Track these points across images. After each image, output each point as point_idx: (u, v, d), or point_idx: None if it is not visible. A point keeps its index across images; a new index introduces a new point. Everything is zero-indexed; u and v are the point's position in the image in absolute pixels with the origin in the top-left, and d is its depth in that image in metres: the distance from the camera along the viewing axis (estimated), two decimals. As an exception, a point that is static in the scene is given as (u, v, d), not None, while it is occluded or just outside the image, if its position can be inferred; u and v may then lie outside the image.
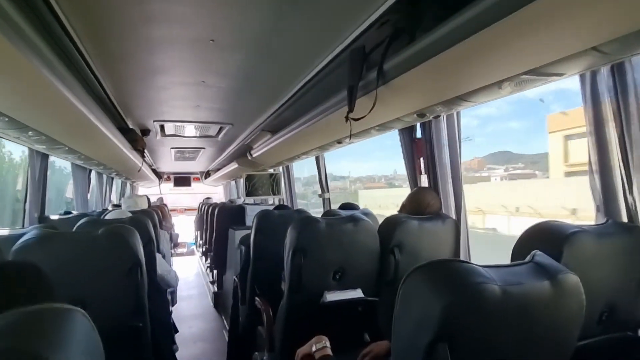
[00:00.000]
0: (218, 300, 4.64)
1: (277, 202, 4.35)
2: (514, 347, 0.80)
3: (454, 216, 1.94)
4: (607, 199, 1.26)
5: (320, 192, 3.69)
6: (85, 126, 2.08)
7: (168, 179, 8.44)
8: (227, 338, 3.14)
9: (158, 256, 2.52)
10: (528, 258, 0.86)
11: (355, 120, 1.57)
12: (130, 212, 2.76)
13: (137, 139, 3.37)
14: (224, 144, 4.34)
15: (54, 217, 3.13)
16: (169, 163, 6.35)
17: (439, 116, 1.71)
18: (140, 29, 1.56)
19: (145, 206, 3.62)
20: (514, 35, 0.95)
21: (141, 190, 8.48)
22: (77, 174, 4.00)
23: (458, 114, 1.92)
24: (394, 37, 1.33)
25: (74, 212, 3.41)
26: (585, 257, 1.02)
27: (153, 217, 2.72)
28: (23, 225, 2.97)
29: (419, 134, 2.14)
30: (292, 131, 2.63)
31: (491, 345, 0.78)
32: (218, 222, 4.52)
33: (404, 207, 1.95)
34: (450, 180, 1.97)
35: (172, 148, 4.81)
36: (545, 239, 1.04)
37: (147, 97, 2.53)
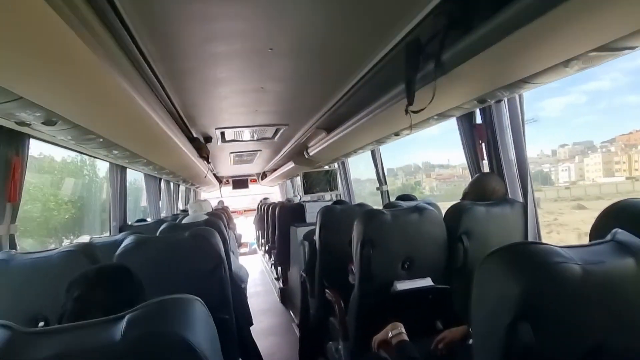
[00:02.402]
0: (284, 295, 4.81)
1: (334, 198, 4.42)
2: (599, 327, 0.80)
3: (521, 199, 1.89)
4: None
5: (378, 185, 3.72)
6: (160, 139, 2.29)
7: (227, 182, 8.82)
8: (297, 331, 3.27)
9: (232, 256, 2.71)
10: (609, 237, 0.84)
11: (415, 112, 1.58)
12: (205, 214, 2.97)
13: (202, 147, 3.60)
14: (279, 144, 4.49)
15: (134, 224, 3.44)
16: (227, 167, 6.65)
17: (500, 100, 1.68)
18: (204, 46, 1.70)
19: (209, 209, 3.88)
20: (581, 12, 0.93)
21: (203, 195, 8.97)
22: (149, 184, 4.36)
23: (520, 95, 1.86)
24: (449, 27, 1.33)
25: (148, 220, 3.73)
26: None
27: (222, 219, 2.91)
28: (110, 233, 3.31)
29: (478, 120, 2.11)
30: (348, 128, 2.69)
31: (575, 324, 0.79)
32: (279, 220, 4.67)
33: (466, 194, 1.93)
34: (515, 164, 1.92)
35: (231, 152, 5.05)
36: (627, 217, 1.00)
37: (210, 107, 2.71)
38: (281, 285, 4.98)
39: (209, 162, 4.13)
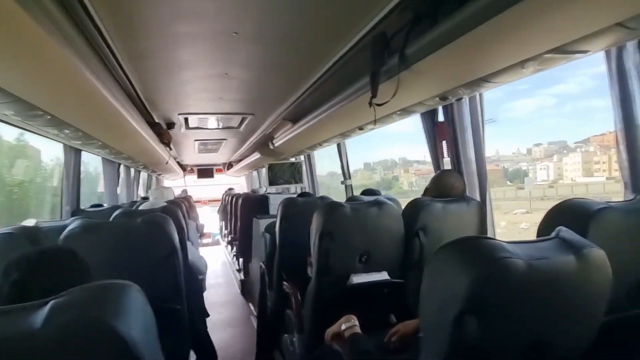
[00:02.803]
0: (245, 287, 4.76)
1: (299, 191, 4.41)
2: (540, 321, 0.82)
3: (478, 198, 1.94)
4: (635, 175, 1.25)
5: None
6: (117, 121, 2.17)
7: (192, 171, 8.59)
8: (255, 323, 3.24)
9: (188, 244, 2.63)
10: (553, 234, 0.87)
11: (379, 105, 1.58)
12: (166, 202, 2.87)
13: (163, 132, 3.47)
14: (245, 134, 4.41)
15: (88, 209, 3.27)
16: (192, 155, 6.49)
17: (461, 99, 1.70)
18: (167, 26, 1.61)
19: (171, 197, 3.75)
20: (538, 13, 0.95)
21: (166, 183, 8.70)
22: (107, 169, 4.15)
23: (481, 95, 1.90)
24: (415, 21, 1.33)
25: (105, 205, 3.56)
26: (612, 233, 1.02)
27: (182, 207, 2.82)
28: (61, 218, 3.13)
29: (440, 118, 2.14)
30: (313, 119, 2.66)
31: (517, 318, 0.80)
32: (242, 211, 4.62)
33: (427, 190, 1.96)
34: (474, 162, 1.97)
35: (195, 140, 4.92)
36: (571, 216, 1.04)
37: (172, 91, 2.61)
38: (242, 277, 4.92)
39: (170, 149, 3.99)
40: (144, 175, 6.43)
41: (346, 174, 3.68)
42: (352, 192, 3.67)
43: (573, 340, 0.87)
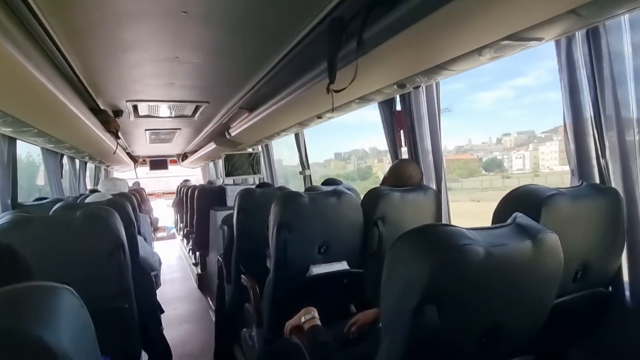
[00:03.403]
0: (202, 281, 4.65)
1: (257, 182, 4.33)
2: (497, 306, 0.83)
3: (434, 187, 1.98)
4: (581, 162, 1.31)
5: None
6: (53, 106, 1.98)
7: (144, 162, 8.19)
8: (213, 318, 3.16)
9: (140, 239, 2.49)
10: (509, 220, 0.88)
11: (337, 92, 1.55)
12: (111, 195, 2.69)
13: (110, 120, 3.24)
14: (200, 123, 4.24)
15: (28, 203, 3.02)
16: (144, 146, 6.17)
17: (418, 87, 1.71)
18: (107, 0, 1.48)
19: (125, 189, 3.54)
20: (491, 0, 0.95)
21: (116, 175, 8.26)
22: (49, 159, 3.84)
23: (437, 84, 1.92)
24: (372, 5, 1.30)
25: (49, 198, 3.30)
26: (561, 218, 1.06)
27: (132, 200, 2.65)
28: (-6, 213, 2.86)
29: (398, 107, 2.15)
30: (270, 107, 2.59)
31: (476, 304, 0.81)
32: (198, 204, 4.49)
33: (385, 180, 1.97)
34: (430, 152, 2.00)
35: (146, 130, 4.67)
36: (524, 202, 1.07)
37: (118, 75, 2.42)
38: (199, 271, 4.79)
39: (118, 138, 3.75)
40: (91, 166, 6.04)
41: (305, 164, 3.65)
42: (311, 182, 3.65)
43: (527, 323, 0.89)
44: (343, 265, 1.78)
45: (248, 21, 1.69)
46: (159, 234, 7.92)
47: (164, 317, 2.88)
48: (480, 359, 0.86)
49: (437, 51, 1.30)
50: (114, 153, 4.10)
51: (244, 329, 2.22)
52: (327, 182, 2.60)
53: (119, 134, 3.69)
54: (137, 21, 1.67)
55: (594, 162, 1.29)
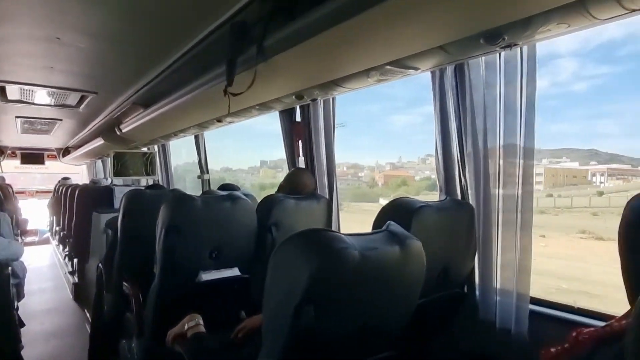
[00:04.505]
0: (79, 291, 4.16)
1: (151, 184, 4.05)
2: (369, 306, 0.92)
3: (327, 195, 2.08)
4: (447, 180, 1.51)
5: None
6: None
7: (13, 154, 7.02)
8: (90, 331, 2.85)
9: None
10: (384, 227, 0.99)
11: (234, 95, 1.55)
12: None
13: (-34, 102, 2.75)
14: (87, 116, 3.81)
15: None
16: (13, 135, 5.31)
17: (315, 99, 1.80)
18: None
19: None
20: (378, 26, 1.06)
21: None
22: None
23: (333, 99, 2.04)
24: (274, 13, 1.34)
25: None
26: (428, 227, 1.21)
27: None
28: None
29: (298, 118, 2.23)
30: (167, 105, 2.46)
31: (351, 305, 0.88)
32: (79, 205, 4.01)
33: (282, 187, 2.02)
34: (325, 163, 2.11)
35: (17, 117, 4.04)
36: (398, 212, 1.20)
37: None
38: (76, 280, 4.28)
39: (-23, 124, 3.19)
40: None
41: (203, 168, 3.53)
42: (210, 186, 3.55)
43: (395, 321, 0.99)
44: (234, 272, 1.76)
45: (145, 10, 1.59)
46: (29, 238, 6.88)
47: (25, 334, 2.53)
48: (350, 355, 0.93)
49: (332, 67, 1.39)
50: None
51: (123, 341, 2.05)
52: (224, 187, 2.56)
53: None
54: None
55: (457, 181, 1.50)
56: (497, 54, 1.25)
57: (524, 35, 0.99)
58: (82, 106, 3.35)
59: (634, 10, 0.84)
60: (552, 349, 0.82)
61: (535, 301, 1.37)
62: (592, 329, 0.77)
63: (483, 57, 1.30)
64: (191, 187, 4.38)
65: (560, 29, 0.94)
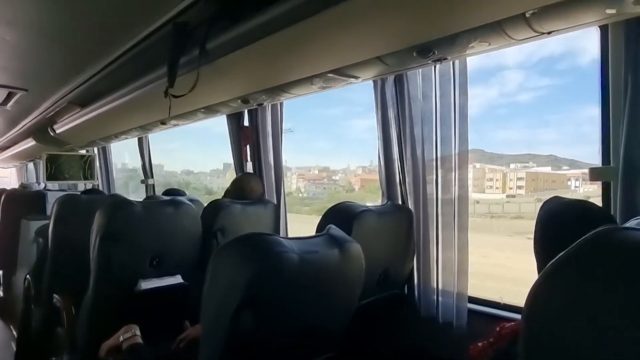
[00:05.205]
0: (4, 306, 3.79)
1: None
2: (310, 309, 0.93)
3: (274, 200, 2.08)
4: (389, 186, 1.57)
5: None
6: None
7: None
8: (15, 349, 2.62)
9: None
10: (324, 231, 1.01)
11: (176, 97, 1.51)
12: None
13: None
14: (15, 114, 3.51)
15: None
16: None
17: (262, 104, 1.79)
18: None
19: None
20: (320, 34, 1.09)
21: None
22: None
23: (281, 105, 2.06)
24: (217, 16, 1.33)
25: None
26: (368, 230, 1.24)
27: None
28: None
29: (246, 122, 2.21)
30: (106, 105, 2.34)
31: (291, 308, 0.88)
32: (6, 211, 3.66)
33: (228, 192, 1.99)
34: (273, 167, 2.10)
35: None
36: (341, 216, 1.23)
37: None
38: (1, 293, 3.90)
39: None
40: None
41: (148, 172, 3.39)
42: (154, 191, 3.41)
43: (335, 323, 1.01)
44: (177, 279, 1.71)
45: (81, 4, 1.50)
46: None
47: None
48: (293, 358, 0.93)
49: (276, 73, 1.40)
50: None
51: (53, 358, 1.91)
52: (169, 192, 2.48)
53: None
54: None
55: (398, 186, 1.56)
56: (432, 67, 1.33)
57: (452, 51, 1.07)
58: (10, 103, 3.08)
59: (542, 34, 0.93)
60: (479, 344, 0.88)
61: (472, 299, 1.45)
62: (513, 323, 0.83)
63: (420, 70, 1.38)
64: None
65: (483, 46, 1.03)
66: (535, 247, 0.84)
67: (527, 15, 0.87)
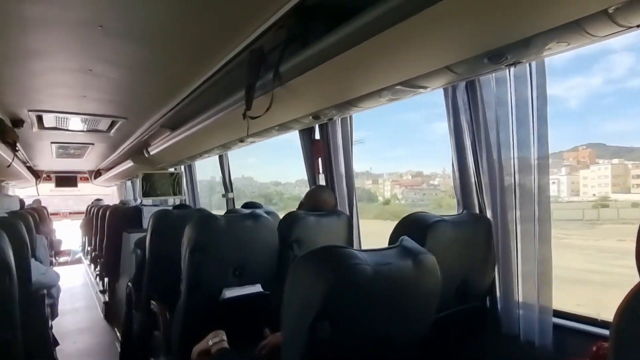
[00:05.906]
0: (110, 310, 4.27)
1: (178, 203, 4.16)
2: (383, 320, 0.93)
3: (347, 212, 2.10)
4: (464, 194, 1.51)
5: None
6: None
7: (48, 178, 7.37)
8: (119, 350, 2.93)
9: (36, 264, 2.26)
10: (397, 243, 1.00)
11: (253, 118, 1.61)
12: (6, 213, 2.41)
13: (6, 130, 2.94)
14: (117, 140, 4.00)
15: None
16: (48, 160, 5.61)
17: (332, 119, 1.84)
18: (10, 5, 1.40)
19: (15, 207, 3.18)
20: (386, 50, 1.11)
21: (17, 192, 7.34)
22: None
23: (351, 118, 2.09)
24: (288, 41, 1.40)
25: None
26: (444, 241, 1.21)
27: (27, 220, 2.41)
28: None
29: (317, 136, 2.28)
30: (192, 128, 2.56)
31: (366, 318, 0.90)
32: (110, 225, 4.15)
33: (302, 205, 2.04)
34: (344, 179, 2.13)
35: (52, 143, 4.28)
36: (414, 227, 1.21)
37: (19, 83, 2.23)
38: (107, 299, 4.39)
39: (17, 150, 3.39)
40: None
41: (228, 186, 3.62)
42: (234, 205, 3.62)
43: (411, 335, 1.00)
44: (257, 288, 1.79)
45: (170, 41, 1.69)
46: (62, 259, 7.15)
47: (60, 353, 2.61)
48: None
49: (345, 89, 1.43)
50: (9, 167, 3.68)
51: (152, 359, 2.09)
52: (248, 205, 2.61)
53: (18, 145, 3.35)
54: (45, 29, 1.59)
55: (475, 195, 1.49)
56: (507, 70, 1.26)
57: (527, 54, 1.01)
58: (113, 131, 3.52)
59: (629, 27, 0.84)
60: None
61: (558, 314, 1.34)
62: None
63: (493, 74, 1.31)
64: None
65: (561, 46, 0.96)
66: (638, 259, 0.75)
67: (610, 11, 0.80)
